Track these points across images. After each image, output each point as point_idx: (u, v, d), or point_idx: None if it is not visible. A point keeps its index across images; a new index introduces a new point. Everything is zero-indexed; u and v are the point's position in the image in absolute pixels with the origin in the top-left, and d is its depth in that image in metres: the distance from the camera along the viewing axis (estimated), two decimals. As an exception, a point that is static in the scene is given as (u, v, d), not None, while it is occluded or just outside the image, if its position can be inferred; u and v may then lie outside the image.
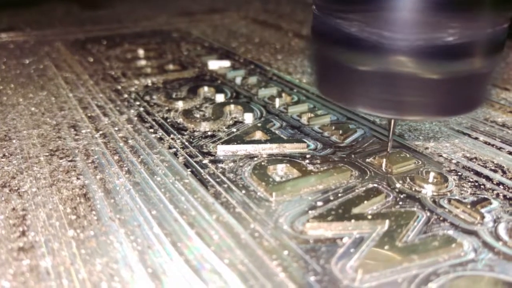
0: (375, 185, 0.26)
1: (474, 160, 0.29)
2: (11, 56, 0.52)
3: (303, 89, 0.42)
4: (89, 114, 0.36)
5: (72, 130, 0.33)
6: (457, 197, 0.25)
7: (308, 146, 0.30)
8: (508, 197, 0.25)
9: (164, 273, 0.20)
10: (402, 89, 0.22)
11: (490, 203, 0.25)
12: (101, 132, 0.33)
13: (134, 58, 0.51)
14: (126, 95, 0.40)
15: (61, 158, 0.29)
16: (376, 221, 0.23)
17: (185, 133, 0.33)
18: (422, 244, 0.21)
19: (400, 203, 0.25)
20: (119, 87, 0.42)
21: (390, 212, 0.24)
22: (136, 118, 0.35)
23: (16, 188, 0.26)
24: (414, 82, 0.22)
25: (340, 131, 0.32)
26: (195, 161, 0.29)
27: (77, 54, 0.53)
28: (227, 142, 0.31)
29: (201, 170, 0.28)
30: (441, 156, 0.30)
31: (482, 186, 0.26)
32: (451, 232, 0.22)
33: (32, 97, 0.40)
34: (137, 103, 0.38)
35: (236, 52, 0.54)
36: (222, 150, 0.30)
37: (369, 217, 0.23)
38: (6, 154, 0.30)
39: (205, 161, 0.29)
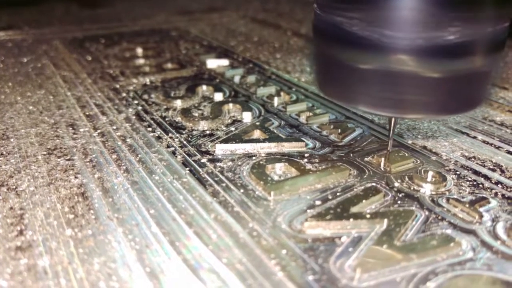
0: (374, 184, 0.26)
1: (473, 159, 0.29)
2: (9, 54, 0.52)
3: (302, 88, 0.42)
4: (87, 113, 0.36)
5: (70, 128, 0.33)
6: (455, 196, 0.25)
7: (306, 145, 0.30)
8: (506, 196, 0.25)
9: (162, 272, 0.20)
10: (403, 87, 0.22)
11: (489, 202, 0.24)
12: (99, 131, 0.33)
13: (133, 56, 0.51)
14: (124, 94, 0.40)
15: (59, 157, 0.29)
16: (375, 220, 0.23)
17: (184, 132, 0.33)
18: (420, 243, 0.21)
19: (399, 202, 0.25)
20: (118, 86, 0.42)
21: (389, 211, 0.24)
22: (134, 117, 0.35)
23: (14, 187, 0.26)
24: (415, 81, 0.22)
25: (339, 130, 0.32)
26: (193, 160, 0.29)
27: (75, 52, 0.53)
28: (226, 141, 0.31)
29: (200, 169, 0.28)
30: (439, 155, 0.30)
31: (480, 185, 0.26)
32: (449, 231, 0.22)
33: (30, 96, 0.39)
34: (136, 101, 0.38)
35: (234, 51, 0.54)
36: (220, 149, 0.30)
37: (368, 216, 0.23)
38: (4, 153, 0.30)
39: (204, 160, 0.29)
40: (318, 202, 0.24)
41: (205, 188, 0.26)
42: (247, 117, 0.35)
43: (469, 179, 0.27)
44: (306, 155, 0.29)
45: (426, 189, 0.26)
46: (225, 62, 0.49)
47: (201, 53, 0.53)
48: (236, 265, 0.20)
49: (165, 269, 0.20)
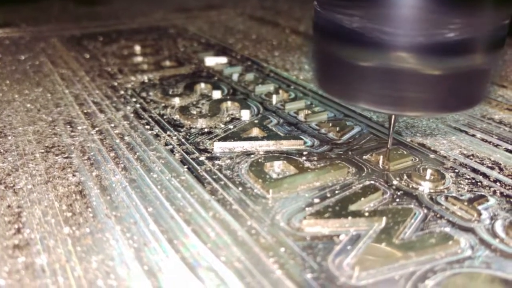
0: (372, 182, 0.26)
1: (471, 157, 0.29)
2: (7, 52, 0.52)
3: (300, 86, 0.42)
4: (85, 111, 0.36)
5: (68, 126, 0.33)
6: (454, 194, 0.25)
7: (305, 143, 0.30)
8: (505, 194, 0.25)
9: (160, 271, 0.20)
10: (403, 85, 0.22)
11: (487, 200, 0.24)
12: (97, 128, 0.33)
13: (131, 54, 0.51)
14: (122, 92, 0.40)
15: (57, 155, 0.29)
16: (373, 218, 0.23)
17: (182, 130, 0.33)
18: (419, 241, 0.21)
19: (397, 200, 0.24)
20: (116, 84, 0.42)
21: (387, 209, 0.24)
22: (132, 115, 0.35)
23: (12, 185, 0.26)
24: (415, 78, 0.22)
25: (337, 128, 0.32)
26: (191, 158, 0.29)
27: (73, 50, 0.53)
28: (224, 139, 0.31)
29: (198, 167, 0.28)
30: (438, 153, 0.30)
31: (479, 183, 0.26)
32: (448, 229, 0.22)
33: (28, 94, 0.39)
34: (134, 99, 0.38)
35: (233, 49, 0.54)
36: (218, 147, 0.30)
37: (366, 214, 0.23)
38: (1, 150, 0.29)
39: (202, 158, 0.29)
40: (316, 200, 0.24)
41: (204, 186, 0.26)
42: (245, 115, 0.35)
43: (468, 177, 0.27)
44: (305, 153, 0.29)
45: (425, 187, 0.26)
46: (223, 59, 0.49)
47: (199, 50, 0.53)
48: (234, 263, 0.20)
49: (163, 267, 0.20)
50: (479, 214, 0.23)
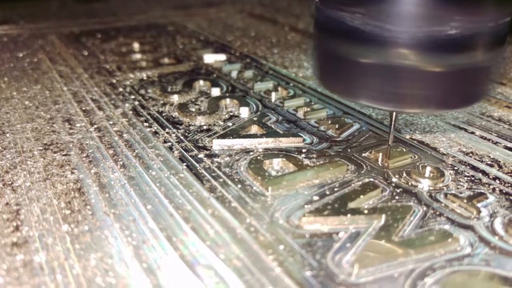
0: (372, 179, 0.26)
1: (471, 154, 0.29)
2: (5, 49, 0.52)
3: (299, 83, 0.41)
4: (83, 108, 0.36)
5: (67, 124, 0.33)
6: (453, 192, 0.25)
7: (304, 140, 0.30)
8: (504, 191, 0.25)
9: (159, 268, 0.19)
10: (405, 82, 0.22)
11: (487, 198, 0.24)
12: (95, 126, 0.33)
13: (129, 51, 0.51)
14: (121, 89, 0.40)
15: (55, 152, 0.29)
16: (373, 215, 0.23)
17: (181, 127, 0.33)
18: (418, 238, 0.21)
19: (397, 197, 0.24)
20: (114, 81, 0.42)
21: (387, 206, 0.24)
22: (131, 112, 0.35)
23: (10, 182, 0.26)
24: (417, 75, 0.22)
25: (336, 125, 0.32)
26: (190, 156, 0.29)
27: (71, 47, 0.52)
28: (223, 136, 0.31)
29: (197, 165, 0.27)
30: (437, 150, 0.30)
31: (478, 181, 0.26)
32: (447, 226, 0.22)
33: (26, 91, 0.39)
34: (132, 96, 0.38)
35: (232, 46, 0.54)
36: (217, 144, 0.30)
37: (366, 211, 0.23)
38: (0, 148, 0.29)
39: (201, 155, 0.29)
40: (315, 198, 0.24)
41: (202, 184, 0.26)
42: (244, 112, 0.35)
43: (467, 174, 0.27)
44: (304, 150, 0.29)
45: (424, 185, 0.25)
46: (222, 57, 0.49)
47: (198, 48, 0.53)
48: (233, 260, 0.20)
49: (162, 265, 0.20)
50: (479, 211, 0.23)
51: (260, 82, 0.41)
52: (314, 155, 0.28)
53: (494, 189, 0.25)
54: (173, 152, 0.29)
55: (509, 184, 0.26)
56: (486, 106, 0.37)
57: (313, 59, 0.27)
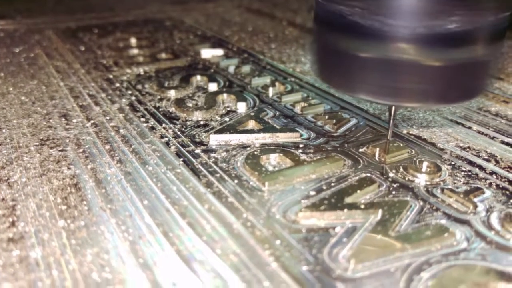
0: (368, 174, 0.26)
1: (468, 149, 0.29)
2: (1, 44, 0.51)
3: (297, 78, 0.41)
4: (80, 103, 0.36)
5: (63, 119, 0.33)
6: (450, 187, 0.25)
7: (301, 135, 0.30)
8: (501, 186, 0.25)
9: (155, 264, 0.19)
10: (404, 76, 0.22)
11: (483, 193, 0.24)
12: (92, 121, 0.32)
13: (126, 46, 0.51)
14: (118, 84, 0.40)
15: (51, 148, 0.29)
16: (369, 210, 0.23)
17: (177, 123, 0.32)
18: (415, 233, 0.21)
19: (393, 192, 0.24)
20: (111, 76, 0.42)
21: (383, 201, 0.24)
22: (128, 107, 0.35)
23: (6, 178, 0.26)
24: (416, 69, 0.22)
25: (334, 121, 0.32)
26: (187, 151, 0.29)
27: (68, 42, 0.52)
28: (220, 131, 0.31)
29: (193, 160, 0.27)
30: (434, 145, 0.30)
31: (475, 176, 0.26)
32: (443, 221, 0.22)
33: (23, 86, 0.39)
34: (129, 92, 0.38)
35: (229, 41, 0.54)
36: (214, 140, 0.30)
37: (362, 206, 0.23)
38: (-4, 143, 0.29)
39: (198, 150, 0.29)
40: (312, 193, 0.24)
41: (199, 179, 0.26)
42: (241, 107, 0.35)
43: (464, 169, 0.27)
44: (301, 145, 0.29)
45: (421, 179, 0.25)
46: (219, 52, 0.48)
47: (196, 43, 0.53)
48: (230, 256, 0.20)
49: (158, 260, 0.20)
50: (475, 206, 0.23)
51: (258, 77, 0.41)
52: (311, 150, 0.28)
53: (490, 184, 0.25)
54: (170, 147, 0.29)
55: (506, 179, 0.26)
56: (483, 101, 0.37)
57: (312, 53, 0.27)
